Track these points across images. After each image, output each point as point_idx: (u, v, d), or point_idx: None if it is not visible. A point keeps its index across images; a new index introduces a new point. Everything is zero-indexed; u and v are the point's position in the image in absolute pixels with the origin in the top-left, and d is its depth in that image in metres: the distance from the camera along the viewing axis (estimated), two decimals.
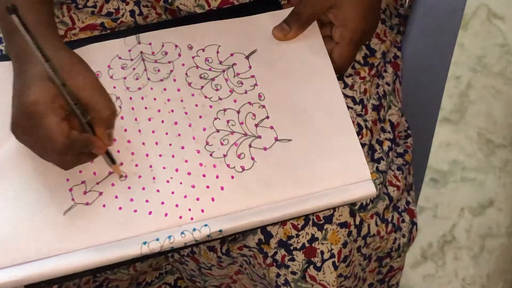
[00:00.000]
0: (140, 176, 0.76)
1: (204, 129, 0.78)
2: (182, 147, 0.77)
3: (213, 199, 0.75)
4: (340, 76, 0.86)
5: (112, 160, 0.75)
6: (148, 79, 0.81)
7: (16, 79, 0.75)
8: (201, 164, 0.77)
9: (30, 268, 0.72)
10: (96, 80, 0.74)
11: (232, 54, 0.82)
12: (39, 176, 0.75)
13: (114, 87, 0.80)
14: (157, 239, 0.73)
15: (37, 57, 0.69)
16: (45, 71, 0.71)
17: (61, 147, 0.71)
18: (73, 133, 0.71)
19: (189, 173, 0.76)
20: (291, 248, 0.79)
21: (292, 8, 0.83)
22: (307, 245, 0.79)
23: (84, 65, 0.75)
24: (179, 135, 0.78)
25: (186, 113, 0.79)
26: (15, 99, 0.73)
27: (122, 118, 0.79)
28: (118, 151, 0.77)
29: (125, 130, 0.78)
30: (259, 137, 0.78)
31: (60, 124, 0.71)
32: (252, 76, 0.81)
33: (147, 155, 0.77)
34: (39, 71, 0.72)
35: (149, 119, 0.79)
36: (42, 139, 0.71)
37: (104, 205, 0.75)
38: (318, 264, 0.79)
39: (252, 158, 0.77)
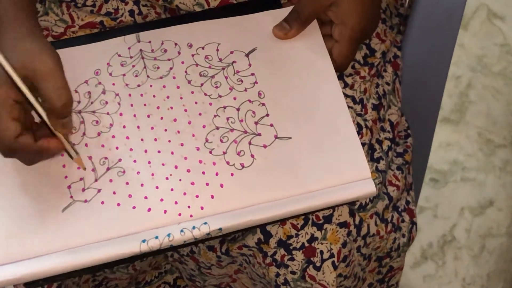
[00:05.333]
0: (138, 172, 0.76)
1: (204, 127, 0.78)
2: (182, 144, 0.77)
3: (212, 196, 0.75)
4: (340, 76, 0.86)
5: (70, 155, 0.74)
6: (148, 76, 0.81)
7: None
8: (200, 161, 0.76)
9: (29, 265, 0.72)
10: (55, 68, 0.71)
11: (232, 52, 0.82)
12: (37, 173, 0.75)
13: (113, 84, 0.80)
14: (156, 237, 0.73)
15: None
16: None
17: (4, 148, 0.69)
18: (23, 138, 0.69)
19: (188, 170, 0.76)
20: (291, 247, 0.79)
21: (292, 6, 0.83)
22: (306, 244, 0.79)
23: (45, 52, 0.72)
24: (178, 132, 0.78)
25: (185, 110, 0.79)
26: None
27: (121, 114, 0.79)
28: (117, 148, 0.77)
29: (124, 127, 0.78)
30: (259, 134, 0.78)
31: (9, 123, 0.69)
32: (252, 74, 0.81)
33: (145, 151, 0.77)
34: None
35: (148, 116, 0.79)
36: None
37: (102, 202, 0.75)
38: (318, 264, 0.79)
39: (252, 156, 0.77)
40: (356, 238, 0.82)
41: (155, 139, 0.78)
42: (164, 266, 0.99)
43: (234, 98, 0.80)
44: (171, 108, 0.79)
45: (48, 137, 0.72)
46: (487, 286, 1.41)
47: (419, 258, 1.45)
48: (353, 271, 0.85)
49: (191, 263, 0.88)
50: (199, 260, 0.86)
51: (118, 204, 0.74)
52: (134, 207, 0.74)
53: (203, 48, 0.83)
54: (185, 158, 0.77)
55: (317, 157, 0.77)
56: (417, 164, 0.97)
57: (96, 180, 0.76)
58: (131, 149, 0.77)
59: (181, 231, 0.73)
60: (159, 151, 0.77)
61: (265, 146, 0.77)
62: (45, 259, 0.72)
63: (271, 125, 0.78)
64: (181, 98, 0.80)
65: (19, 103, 0.70)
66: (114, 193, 0.75)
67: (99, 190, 0.75)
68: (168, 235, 0.73)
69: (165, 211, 0.74)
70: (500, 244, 1.46)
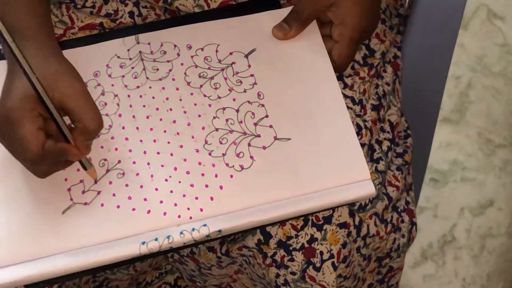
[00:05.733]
0: (138, 174, 0.76)
1: (203, 128, 0.78)
2: (181, 146, 0.77)
3: (212, 198, 0.75)
4: (339, 76, 0.86)
5: (84, 167, 0.75)
6: (147, 78, 0.81)
7: (6, 78, 0.74)
8: (200, 163, 0.76)
9: (29, 268, 0.72)
10: (85, 90, 0.73)
11: (231, 53, 0.82)
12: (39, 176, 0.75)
13: (112, 85, 0.80)
14: (156, 239, 0.73)
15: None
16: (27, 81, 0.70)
17: (33, 158, 0.70)
18: (48, 144, 0.70)
19: (188, 172, 0.76)
20: (291, 248, 0.79)
21: (292, 7, 0.83)
22: (306, 245, 0.79)
23: (73, 74, 0.74)
24: (177, 133, 0.78)
25: (185, 112, 0.79)
26: None
27: (120, 115, 0.79)
28: (116, 149, 0.77)
29: (123, 128, 0.78)
30: (258, 136, 0.78)
31: (36, 133, 0.70)
32: (252, 75, 0.81)
33: (145, 152, 0.77)
34: (22, 80, 0.71)
35: (147, 117, 0.79)
36: (16, 146, 0.71)
37: (102, 204, 0.75)
38: (318, 265, 0.79)
39: (251, 157, 0.77)
40: (356, 238, 0.82)
41: (154, 140, 0.78)
42: (164, 267, 0.99)
43: (234, 99, 0.80)
44: (170, 109, 0.79)
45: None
46: (487, 286, 1.41)
47: (419, 258, 1.45)
48: (353, 272, 0.85)
49: (191, 264, 0.88)
50: (199, 260, 0.86)
51: (118, 206, 0.74)
52: (133, 209, 0.74)
53: (202, 49, 0.82)
54: (185, 159, 0.77)
55: (316, 159, 0.77)
56: (417, 164, 0.97)
57: (95, 182, 0.76)
58: (130, 150, 0.77)
59: (181, 233, 0.73)
60: (158, 153, 0.77)
61: (264, 148, 0.77)
62: (45, 261, 0.72)
63: (271, 126, 0.78)
64: (180, 99, 0.80)
65: (42, 116, 0.71)
66: (114, 195, 0.75)
67: (98, 192, 0.75)
68: (168, 237, 0.73)
69: (164, 213, 0.74)
70: (500, 244, 1.46)
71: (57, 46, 0.77)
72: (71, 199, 0.75)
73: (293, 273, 0.80)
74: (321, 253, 0.79)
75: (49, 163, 0.72)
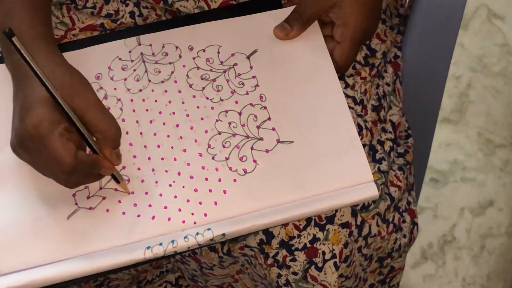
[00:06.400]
0: (143, 180, 0.76)
1: (206, 132, 0.78)
2: (184, 150, 0.77)
3: (216, 203, 0.75)
4: (341, 76, 0.86)
5: (116, 180, 0.75)
6: (149, 80, 0.81)
7: (16, 98, 0.74)
8: (203, 167, 0.76)
9: (34, 273, 0.71)
10: (97, 99, 0.73)
11: (233, 54, 0.82)
12: (42, 180, 0.74)
13: (115, 89, 0.80)
14: (161, 244, 0.73)
15: (37, 80, 0.69)
16: (46, 94, 0.70)
17: (69, 168, 0.70)
18: (80, 154, 0.70)
19: (191, 177, 0.76)
20: (293, 248, 0.79)
21: (293, 7, 0.83)
22: (308, 245, 0.79)
23: (85, 84, 0.74)
24: (181, 137, 0.78)
25: (187, 115, 0.79)
26: (16, 121, 0.72)
27: (123, 120, 0.79)
28: (121, 154, 0.77)
29: (127, 133, 0.78)
30: (261, 139, 0.78)
31: (66, 144, 0.69)
32: (254, 77, 0.81)
33: (149, 158, 0.77)
34: (40, 93, 0.71)
35: (151, 122, 0.79)
36: (47, 161, 0.70)
37: (107, 210, 0.74)
38: (320, 265, 0.79)
39: (254, 161, 0.77)
40: (358, 238, 0.82)
41: (158, 146, 0.77)
42: (165, 265, 0.99)
43: (236, 102, 0.79)
44: (173, 113, 0.79)
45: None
46: (487, 286, 1.41)
47: (419, 258, 1.45)
48: (355, 272, 0.85)
49: (193, 264, 0.88)
50: (201, 260, 0.86)
51: (123, 213, 0.74)
52: (138, 216, 0.74)
53: (204, 50, 0.82)
54: (188, 164, 0.76)
55: (319, 161, 0.77)
56: (417, 164, 0.97)
57: (101, 188, 0.75)
58: (134, 156, 0.77)
59: (185, 237, 0.73)
60: (162, 158, 0.77)
61: (267, 151, 0.77)
62: (49, 267, 0.72)
63: (273, 129, 0.78)
64: (183, 102, 0.80)
65: (68, 130, 0.71)
66: (120, 201, 0.75)
67: (104, 198, 0.75)
68: (172, 241, 0.73)
69: (169, 219, 0.74)
70: (500, 244, 1.46)
71: (61, 54, 0.77)
72: (76, 204, 0.75)
73: (295, 273, 0.80)
74: (323, 253, 0.79)
75: (81, 173, 0.72)
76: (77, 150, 0.70)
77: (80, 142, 0.72)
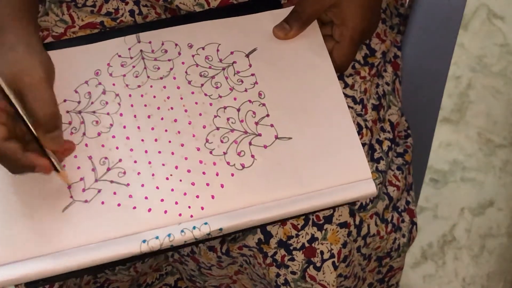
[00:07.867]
0: (139, 173, 0.76)
1: (204, 127, 0.78)
2: (182, 145, 0.77)
3: (213, 197, 0.75)
4: (340, 76, 0.86)
5: (55, 169, 0.73)
6: (148, 77, 0.81)
7: None
8: (201, 162, 0.76)
9: (30, 265, 0.71)
10: (43, 80, 0.71)
11: (232, 52, 0.82)
12: (37, 173, 0.75)
13: (113, 84, 0.80)
14: (157, 237, 0.73)
15: None
16: None
17: None
18: (10, 143, 0.69)
19: (189, 171, 0.76)
20: (291, 248, 0.79)
21: (293, 7, 0.83)
22: (307, 245, 0.79)
23: (35, 64, 0.72)
24: (178, 132, 0.78)
25: (186, 110, 0.79)
26: None
27: (121, 115, 0.79)
28: (117, 148, 0.77)
29: (124, 127, 0.78)
30: (259, 135, 0.78)
31: None
32: (252, 75, 0.81)
33: (146, 151, 0.77)
34: None
35: (148, 116, 0.79)
36: None
37: (102, 202, 0.74)
38: (318, 264, 0.79)
39: (252, 156, 0.77)
40: (356, 238, 0.83)
41: (156, 140, 0.78)
42: (165, 268, 0.99)
43: (235, 99, 0.80)
44: (172, 108, 0.79)
45: (38, 154, 0.71)
46: (487, 286, 1.41)
47: (419, 258, 1.45)
48: (353, 271, 0.85)
49: (191, 264, 0.88)
50: (200, 260, 0.86)
51: (119, 205, 0.74)
52: (134, 208, 0.74)
53: (203, 48, 0.83)
54: (186, 158, 0.77)
55: (317, 158, 0.77)
56: (417, 164, 0.97)
57: (96, 181, 0.76)
58: (131, 150, 0.77)
59: (182, 231, 0.73)
60: (159, 152, 0.77)
61: (265, 147, 0.77)
62: (45, 259, 0.72)
63: (272, 125, 0.78)
64: (182, 98, 0.80)
65: (7, 112, 0.70)
66: (115, 193, 0.75)
67: (99, 190, 0.75)
68: (169, 235, 0.73)
69: (165, 212, 0.74)
70: (500, 244, 1.46)
71: (33, 31, 0.76)
72: (71, 197, 0.75)
73: (293, 273, 0.80)
74: (322, 252, 0.79)
75: (10, 163, 0.71)
76: (9, 137, 0.69)
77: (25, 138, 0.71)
